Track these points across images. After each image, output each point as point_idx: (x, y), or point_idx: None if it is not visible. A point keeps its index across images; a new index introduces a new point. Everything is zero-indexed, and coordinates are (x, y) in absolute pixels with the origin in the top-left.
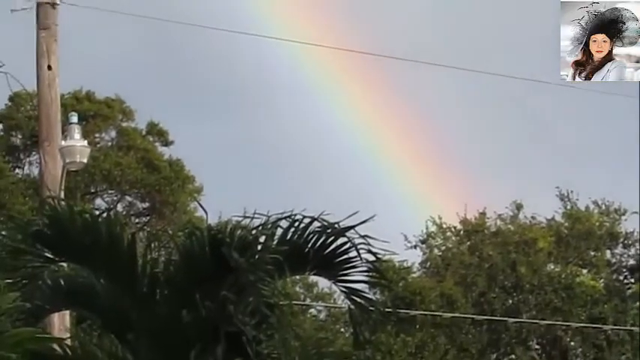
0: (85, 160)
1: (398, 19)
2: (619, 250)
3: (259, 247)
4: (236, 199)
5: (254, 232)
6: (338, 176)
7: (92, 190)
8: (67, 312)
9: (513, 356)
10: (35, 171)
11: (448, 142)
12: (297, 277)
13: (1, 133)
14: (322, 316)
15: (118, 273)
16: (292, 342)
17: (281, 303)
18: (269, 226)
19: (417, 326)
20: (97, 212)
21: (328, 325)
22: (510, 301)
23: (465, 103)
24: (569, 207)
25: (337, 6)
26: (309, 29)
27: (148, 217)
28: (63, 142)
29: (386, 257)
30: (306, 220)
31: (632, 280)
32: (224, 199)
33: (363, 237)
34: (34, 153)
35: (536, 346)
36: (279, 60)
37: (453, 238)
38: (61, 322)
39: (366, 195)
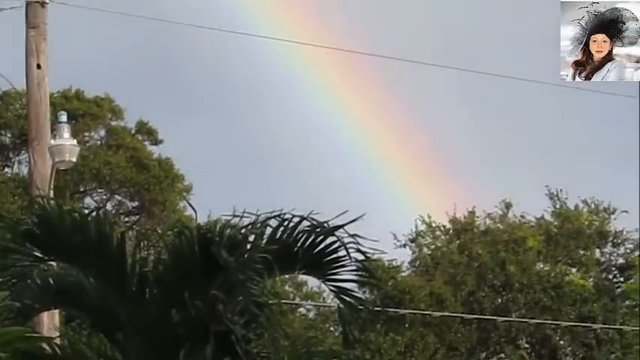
0: (74, 159)
1: (385, 17)
2: (608, 249)
3: (248, 246)
4: (225, 198)
5: (243, 231)
6: (327, 175)
7: (81, 189)
8: (57, 311)
9: (502, 355)
10: (24, 170)
11: (437, 140)
12: (287, 276)
13: None
14: (312, 315)
15: (108, 272)
16: (282, 341)
17: (270, 302)
18: (258, 225)
19: (407, 325)
20: (87, 211)
21: (317, 324)
22: (500, 300)
23: (454, 101)
24: (558, 206)
25: (326, 5)
26: (298, 28)
27: (138, 216)
28: (52, 141)
29: (375, 256)
30: (296, 220)
31: (622, 279)
32: (213, 197)
33: (352, 236)
34: (23, 152)
35: (526, 345)
36: (268, 59)
37: (443, 237)
38: (50, 321)
39: (356, 194)
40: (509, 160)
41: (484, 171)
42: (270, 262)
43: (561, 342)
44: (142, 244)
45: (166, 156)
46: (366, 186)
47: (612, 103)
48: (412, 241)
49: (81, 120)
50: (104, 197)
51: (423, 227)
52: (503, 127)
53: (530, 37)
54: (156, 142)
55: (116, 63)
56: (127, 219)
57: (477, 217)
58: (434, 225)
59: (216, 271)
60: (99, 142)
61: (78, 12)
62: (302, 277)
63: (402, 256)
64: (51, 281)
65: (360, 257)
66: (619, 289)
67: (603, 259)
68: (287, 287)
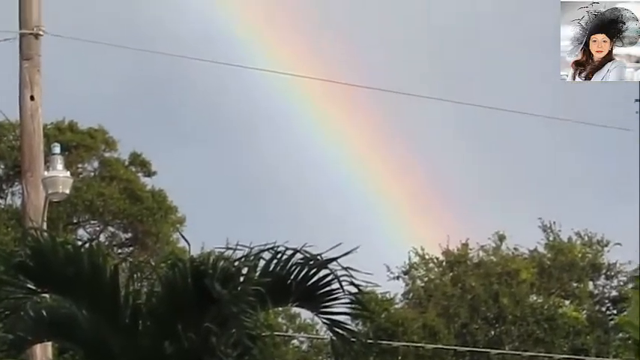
0: (67, 191)
1: (381, 50)
2: (601, 281)
3: (242, 279)
4: (219, 230)
5: (237, 263)
6: (322, 207)
7: (75, 221)
8: (50, 343)
9: None
10: (18, 201)
11: (431, 173)
12: (280, 308)
13: None
14: (305, 347)
15: (101, 304)
16: None
17: (263, 334)
18: (252, 257)
19: (400, 357)
20: (80, 243)
21: (311, 356)
22: (493, 332)
23: (449, 134)
24: (551, 238)
25: (322, 37)
26: (294, 60)
27: (131, 248)
28: (45, 173)
29: (368, 288)
30: (289, 252)
31: (615, 312)
32: (207, 229)
33: (345, 269)
34: (16, 183)
35: None
36: (264, 91)
37: (436, 269)
38: (43, 354)
39: (349, 226)
40: (502, 193)
41: (477, 203)
42: (264, 294)
43: None
44: (135, 276)
45: (160, 188)
46: (361, 218)
47: (605, 135)
48: (405, 273)
49: (74, 151)
50: (97, 229)
51: (416, 259)
52: (497, 160)
53: (525, 71)
54: (149, 173)
55: (110, 94)
56: (120, 251)
57: (471, 249)
58: (427, 257)
59: (209, 304)
60: (92, 174)
61: (71, 44)
62: (295, 310)
63: (395, 288)
64: (44, 313)
65: (354, 290)
66: (612, 322)
67: (596, 292)
68: (280, 319)
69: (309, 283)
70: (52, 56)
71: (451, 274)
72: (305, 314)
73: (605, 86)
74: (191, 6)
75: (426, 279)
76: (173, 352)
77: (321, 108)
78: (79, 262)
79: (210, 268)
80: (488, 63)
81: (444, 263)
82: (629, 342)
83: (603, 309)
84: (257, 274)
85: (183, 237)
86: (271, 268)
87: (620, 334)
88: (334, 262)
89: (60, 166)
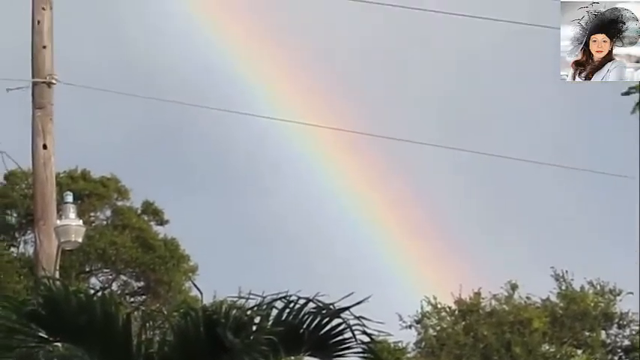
0: (80, 240)
1: (388, 99)
2: (614, 330)
3: (254, 328)
4: (231, 278)
5: (249, 312)
6: (333, 256)
7: (87, 269)
8: None
9: None
10: (30, 250)
11: (443, 222)
12: (292, 357)
13: None
14: None
15: (113, 353)
16: None
17: None
18: (264, 306)
19: None
20: (92, 291)
21: None
22: None
23: (460, 182)
24: (564, 287)
25: (330, 86)
26: (303, 108)
27: (143, 297)
28: (58, 221)
29: (381, 338)
30: (302, 301)
31: None
32: (219, 278)
33: (358, 318)
34: (29, 232)
35: None
36: (272, 139)
37: (448, 318)
38: None
39: (361, 275)
40: (514, 242)
41: (490, 252)
42: (276, 343)
43: None
44: (147, 324)
45: (172, 236)
46: (372, 267)
47: (616, 184)
48: (418, 322)
49: (87, 200)
50: (110, 277)
51: (428, 308)
52: (509, 209)
53: (532, 114)
54: (162, 222)
55: (122, 143)
56: (132, 299)
57: (483, 298)
58: (439, 306)
59: (221, 353)
60: (105, 223)
61: (84, 92)
62: (308, 359)
63: (408, 337)
64: None
65: (366, 339)
66: None
67: (609, 341)
68: None
69: (322, 332)
70: (63, 104)
71: (463, 323)
72: None
73: (627, 136)
74: (201, 55)
75: (438, 328)
76: None
77: (330, 155)
78: (92, 311)
79: (223, 317)
80: (499, 108)
81: (456, 312)
82: None
83: (615, 358)
84: (269, 323)
85: (195, 286)
86: (284, 317)
87: None
88: (346, 312)
89: (72, 214)
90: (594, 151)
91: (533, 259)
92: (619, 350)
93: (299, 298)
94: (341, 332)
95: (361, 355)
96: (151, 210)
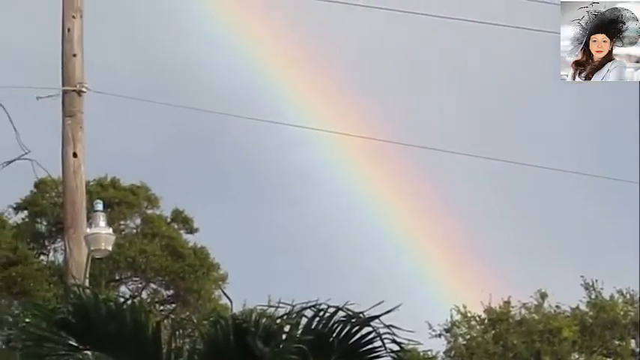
0: (109, 248)
1: (419, 106)
2: None
3: (284, 337)
4: (261, 287)
5: (279, 321)
6: (362, 264)
7: (117, 278)
8: None
9: None
10: (60, 258)
11: (472, 230)
12: None
13: (27, 220)
14: None
15: None
16: None
17: None
18: (294, 315)
19: None
20: (122, 300)
21: None
22: None
23: (489, 190)
24: (593, 296)
25: (361, 94)
26: (334, 117)
27: (173, 305)
28: (88, 230)
29: (410, 346)
30: (331, 310)
31: None
32: (249, 287)
33: (387, 326)
34: (59, 240)
35: None
36: (303, 147)
37: (478, 326)
38: None
39: (391, 283)
40: (544, 250)
41: (519, 261)
42: (306, 352)
43: None
44: (177, 333)
45: (202, 245)
46: (402, 276)
47: None
48: (447, 330)
49: (117, 208)
50: (139, 286)
51: (458, 317)
52: (539, 217)
53: (561, 122)
54: (191, 230)
55: (151, 151)
56: (162, 308)
57: (512, 307)
58: (469, 315)
59: None
60: (134, 231)
61: (114, 100)
62: None
63: (437, 346)
64: None
65: (396, 348)
66: None
67: (638, 350)
68: None
69: (352, 341)
70: (94, 113)
71: (493, 331)
72: None
73: None
74: (232, 63)
75: (467, 337)
76: None
77: (360, 164)
78: (122, 319)
79: (253, 326)
80: (529, 118)
81: (485, 321)
82: None
83: None
84: (299, 331)
85: (225, 294)
86: (313, 326)
87: None
88: (376, 320)
89: (102, 222)
90: (625, 160)
91: (563, 268)
92: None
93: (329, 306)
94: (370, 341)
95: None
96: (180, 218)
